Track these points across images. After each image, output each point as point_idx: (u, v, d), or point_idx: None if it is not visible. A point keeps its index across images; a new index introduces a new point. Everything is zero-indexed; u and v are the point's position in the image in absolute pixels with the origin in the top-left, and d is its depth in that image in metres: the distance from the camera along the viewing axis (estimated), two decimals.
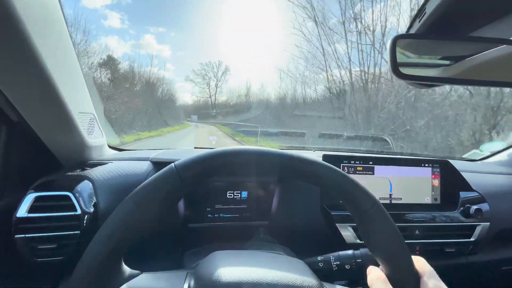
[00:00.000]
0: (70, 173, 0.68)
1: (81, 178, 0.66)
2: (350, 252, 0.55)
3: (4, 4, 0.38)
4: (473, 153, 1.40)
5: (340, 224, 0.75)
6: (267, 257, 0.43)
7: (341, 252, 0.56)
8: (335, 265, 0.53)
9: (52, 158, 0.71)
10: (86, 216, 0.60)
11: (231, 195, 0.80)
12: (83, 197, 0.61)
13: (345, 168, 0.82)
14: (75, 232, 0.59)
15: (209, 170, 0.34)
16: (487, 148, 1.32)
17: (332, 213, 0.76)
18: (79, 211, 0.59)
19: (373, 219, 0.34)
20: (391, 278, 0.34)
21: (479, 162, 1.29)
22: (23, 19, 0.41)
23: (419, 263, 0.35)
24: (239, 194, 0.80)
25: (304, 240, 0.79)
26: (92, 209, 0.62)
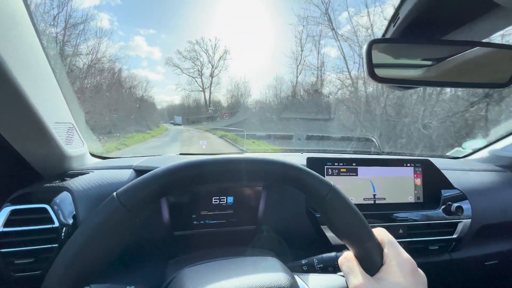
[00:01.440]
0: (48, 185, 0.66)
1: (60, 190, 0.64)
2: (333, 254, 0.56)
3: None
4: (455, 151, 1.43)
5: (324, 226, 0.76)
6: (237, 263, 0.44)
7: (324, 255, 0.56)
8: (318, 268, 0.54)
9: (31, 169, 0.69)
10: (64, 228, 0.59)
11: (216, 201, 0.79)
12: (61, 209, 0.60)
13: (329, 170, 0.82)
14: (53, 245, 0.57)
15: (156, 192, 0.32)
16: (469, 145, 1.35)
17: (317, 215, 0.77)
18: (56, 224, 0.58)
19: (332, 203, 0.35)
20: (357, 256, 0.36)
21: (461, 159, 1.33)
22: None
23: (380, 234, 0.37)
24: (225, 199, 0.80)
25: (292, 244, 0.79)
26: (71, 221, 0.60)
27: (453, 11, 0.52)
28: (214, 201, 0.79)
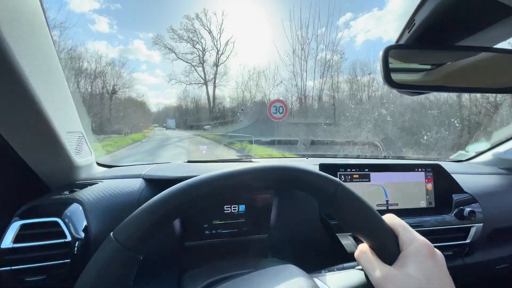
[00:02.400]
0: (57, 197, 0.64)
1: (70, 201, 0.62)
2: (354, 263, 0.55)
3: None
4: (459, 154, 1.44)
5: (340, 233, 0.75)
6: (258, 277, 0.43)
7: (345, 264, 0.55)
8: None
9: (38, 181, 0.67)
10: (77, 242, 0.56)
11: (228, 210, 0.78)
12: (73, 222, 0.58)
13: (342, 176, 0.82)
14: (65, 261, 0.55)
15: (156, 224, 0.30)
16: (473, 148, 1.36)
17: (332, 223, 0.76)
18: (69, 238, 0.55)
19: (341, 200, 0.35)
20: (373, 247, 0.35)
21: (465, 162, 1.34)
22: (5, 37, 0.39)
23: (391, 221, 0.36)
24: (237, 208, 0.78)
25: (305, 252, 0.78)
26: (83, 235, 0.58)
27: (468, 17, 0.53)
28: (226, 210, 0.77)
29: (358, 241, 0.75)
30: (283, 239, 0.81)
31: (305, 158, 1.23)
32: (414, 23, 0.56)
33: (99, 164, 0.91)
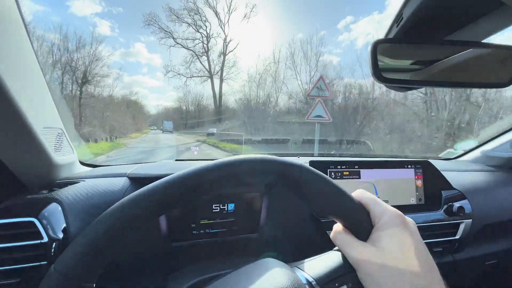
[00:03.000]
0: (34, 196, 0.61)
1: (48, 201, 0.59)
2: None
3: None
4: (447, 152, 1.46)
5: (330, 231, 0.73)
6: (237, 276, 0.41)
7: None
8: None
9: (15, 180, 0.63)
10: (54, 243, 0.53)
11: (217, 208, 0.75)
12: (51, 223, 0.55)
13: (332, 173, 0.81)
14: (41, 262, 0.52)
15: (96, 246, 0.28)
16: (461, 146, 1.38)
17: (322, 221, 0.75)
18: (45, 239, 0.52)
19: (307, 182, 0.34)
20: (346, 225, 0.35)
21: (454, 160, 1.35)
22: None
23: (360, 196, 0.36)
24: (226, 207, 0.76)
25: (296, 251, 0.76)
26: (61, 235, 0.55)
27: (457, 11, 0.52)
28: (215, 209, 0.75)
29: None
30: (273, 237, 0.79)
31: (297, 157, 1.22)
32: (402, 17, 0.55)
33: (83, 164, 0.88)
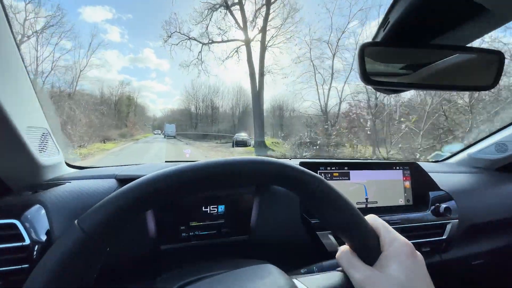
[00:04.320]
0: (17, 197, 0.59)
1: (31, 203, 0.57)
2: (333, 261, 0.54)
3: None
4: (435, 155, 1.49)
5: (320, 232, 0.74)
6: (232, 276, 0.41)
7: (324, 262, 0.54)
8: None
9: None
10: (36, 246, 0.52)
11: (206, 210, 0.75)
12: (33, 225, 0.53)
13: (322, 174, 0.81)
14: (23, 266, 0.50)
15: (124, 213, 0.28)
16: (448, 149, 1.41)
17: (312, 222, 0.75)
18: (27, 241, 0.51)
19: (322, 197, 0.34)
20: (354, 247, 0.35)
21: (441, 163, 1.38)
22: None
23: (373, 221, 0.36)
24: (216, 209, 0.76)
25: (287, 252, 0.76)
26: (44, 238, 0.54)
27: (442, 16, 0.54)
28: (204, 211, 0.75)
29: (339, 240, 0.74)
30: (264, 239, 0.79)
31: (288, 159, 1.23)
32: (389, 22, 0.56)
33: (69, 165, 0.86)
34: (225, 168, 0.32)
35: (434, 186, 0.92)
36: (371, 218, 0.37)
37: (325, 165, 0.82)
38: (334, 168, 0.82)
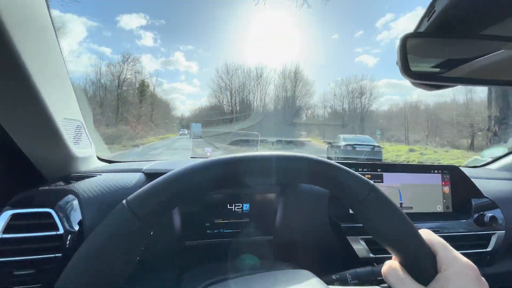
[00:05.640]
0: (52, 187, 0.61)
1: (65, 193, 0.59)
2: (368, 268, 0.51)
3: None
4: (474, 160, 1.38)
5: (351, 237, 0.70)
6: (267, 278, 0.39)
7: (358, 269, 0.51)
8: (352, 283, 0.49)
9: (34, 171, 0.64)
10: (69, 236, 0.53)
11: (232, 208, 0.73)
12: (67, 214, 0.54)
13: None
14: (56, 254, 0.51)
15: (171, 198, 0.28)
16: (489, 154, 1.30)
17: (342, 225, 0.71)
18: (61, 230, 0.52)
19: (373, 205, 0.31)
20: (405, 264, 0.31)
21: (481, 168, 1.27)
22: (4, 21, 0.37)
23: (428, 237, 0.32)
24: (241, 207, 0.74)
25: (313, 255, 0.73)
26: (76, 228, 0.55)
27: (493, 4, 0.49)
28: (229, 208, 0.73)
29: (370, 246, 0.69)
30: (289, 241, 0.76)
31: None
32: (435, 10, 0.52)
33: (100, 159, 0.88)
34: (279, 162, 0.31)
35: (477, 192, 0.84)
36: (426, 233, 0.33)
37: (357, 166, 0.78)
38: (366, 169, 0.78)
